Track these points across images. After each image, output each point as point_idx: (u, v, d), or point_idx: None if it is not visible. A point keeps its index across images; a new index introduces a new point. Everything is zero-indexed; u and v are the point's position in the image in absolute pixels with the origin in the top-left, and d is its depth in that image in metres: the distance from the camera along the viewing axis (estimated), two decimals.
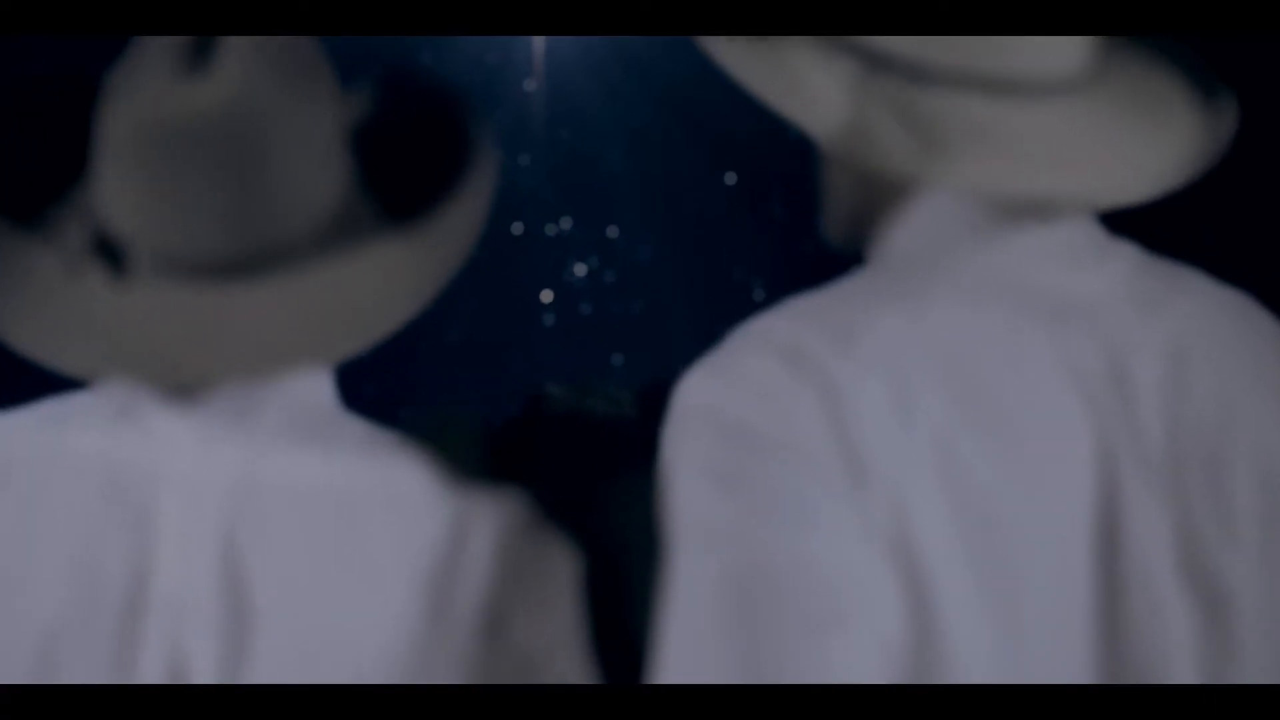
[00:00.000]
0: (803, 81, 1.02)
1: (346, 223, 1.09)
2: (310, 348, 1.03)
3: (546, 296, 5.99)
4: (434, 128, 1.18)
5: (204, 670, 1.00)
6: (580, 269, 6.04)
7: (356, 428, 1.09)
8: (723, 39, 1.06)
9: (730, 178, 5.81)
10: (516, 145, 5.84)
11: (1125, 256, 1.07)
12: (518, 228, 5.87)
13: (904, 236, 1.05)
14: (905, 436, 0.94)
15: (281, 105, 1.03)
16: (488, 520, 1.07)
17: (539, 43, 5.76)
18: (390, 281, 1.07)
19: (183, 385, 1.05)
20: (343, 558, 1.03)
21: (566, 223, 6.01)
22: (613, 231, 6.01)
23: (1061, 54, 1.04)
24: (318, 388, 1.10)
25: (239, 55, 1.02)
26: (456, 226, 1.10)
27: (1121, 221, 1.14)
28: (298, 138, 1.04)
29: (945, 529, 0.93)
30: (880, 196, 1.08)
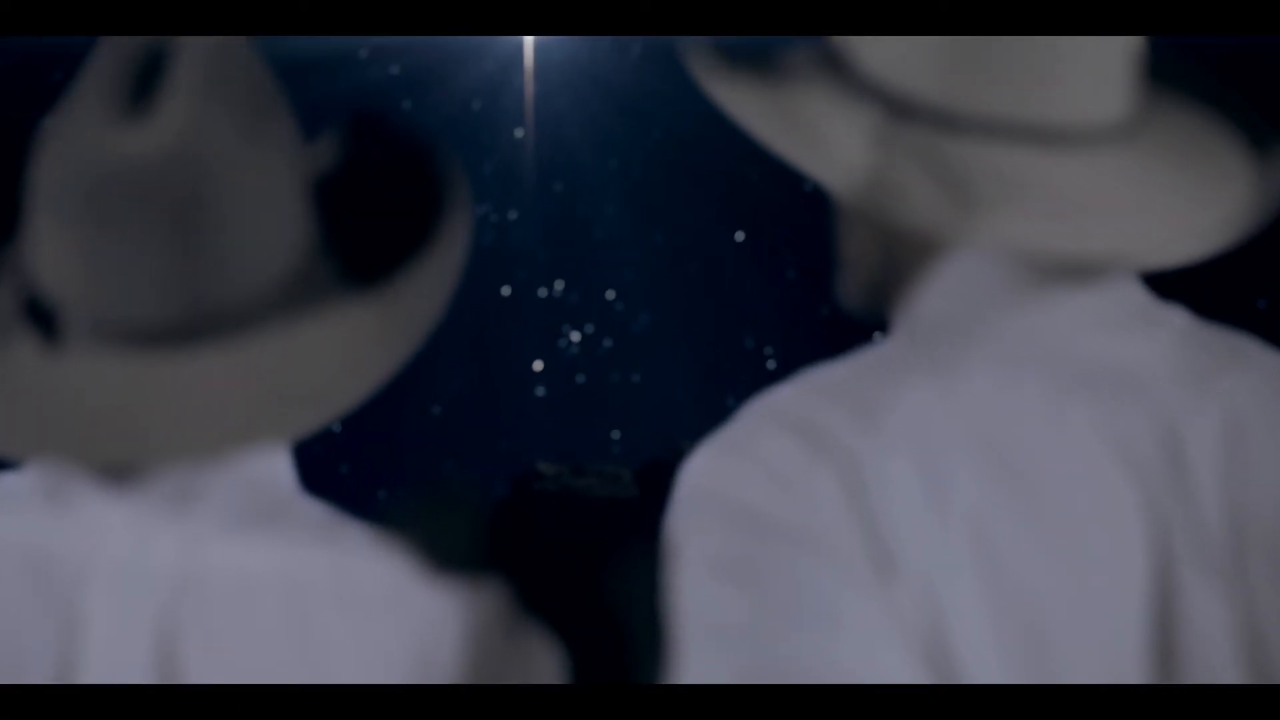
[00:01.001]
0: (819, 130, 1.02)
1: (305, 283, 1.08)
2: (264, 423, 1.02)
3: (538, 365, 5.99)
4: (404, 179, 1.18)
5: None
6: (575, 335, 6.04)
7: (314, 513, 1.08)
8: (729, 85, 1.06)
9: (739, 235, 5.82)
10: (504, 199, 5.86)
11: (1174, 323, 1.07)
12: (506, 290, 5.88)
13: (932, 301, 1.05)
14: (937, 524, 0.93)
15: (233, 152, 1.02)
16: (457, 623, 1.06)
17: (529, 87, 5.80)
18: (353, 349, 1.06)
19: (120, 466, 1.03)
20: (292, 660, 1.02)
21: (560, 285, 6.01)
22: (610, 295, 6.02)
23: (1101, 100, 1.04)
24: (272, 468, 1.09)
25: (185, 96, 1.01)
26: (427, 288, 1.10)
27: (1169, 284, 1.14)
28: (251, 188, 1.04)
29: (983, 628, 0.92)
30: (905, 256, 1.08)
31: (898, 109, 1.02)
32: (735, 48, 1.13)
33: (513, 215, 5.90)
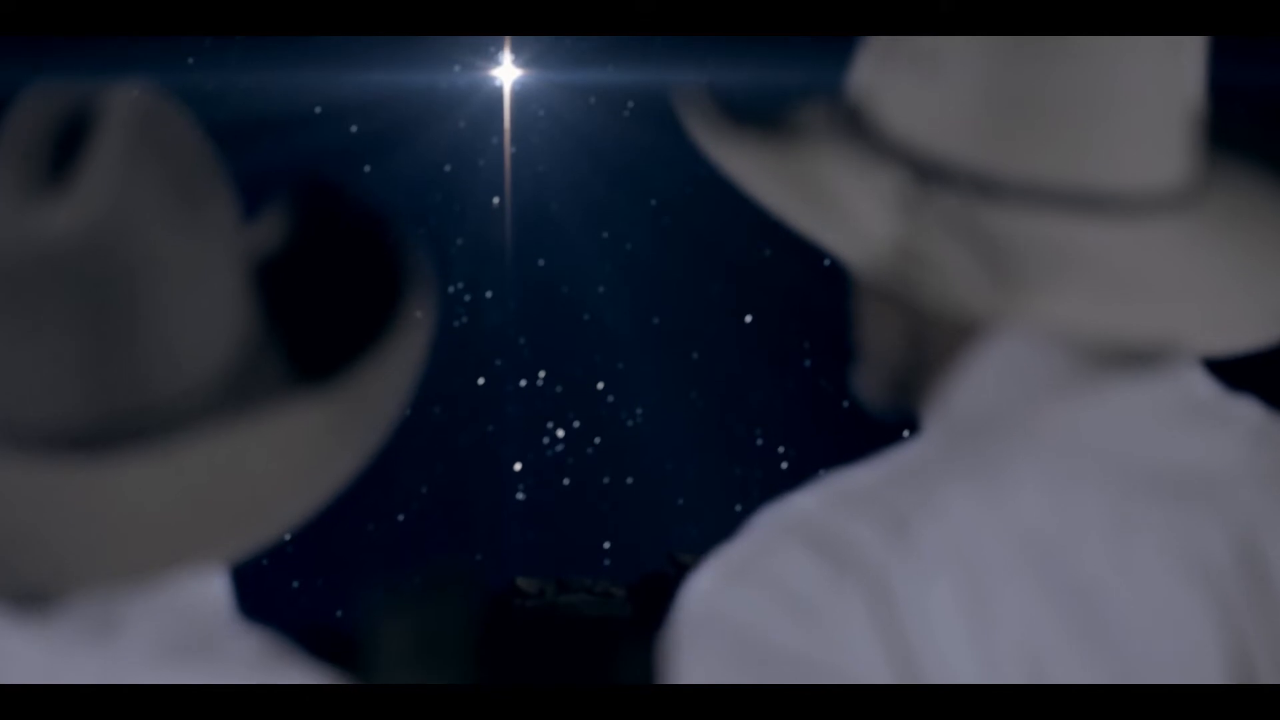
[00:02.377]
0: (837, 198, 1.02)
1: (245, 380, 1.08)
2: (199, 542, 1.01)
3: (517, 467, 5.98)
4: (359, 257, 1.18)
5: None
6: (559, 433, 6.04)
7: (250, 644, 1.07)
8: (734, 146, 1.07)
9: (747, 318, 5.84)
10: (479, 276, 5.88)
11: (1246, 417, 1.07)
12: (481, 381, 5.88)
13: (969, 393, 1.05)
14: (984, 654, 0.92)
15: (162, 230, 1.02)
16: None
17: (507, 148, 5.85)
18: (302, 455, 1.06)
19: (31, 592, 1.02)
20: None
21: (542, 375, 6.02)
22: (600, 386, 6.03)
23: (1157, 164, 1.04)
24: (205, 593, 1.08)
25: (109, 166, 1.01)
26: (387, 383, 1.10)
27: (1238, 372, 1.14)
28: (183, 272, 1.03)
29: None
30: (936, 342, 1.08)
31: (928, 173, 1.03)
32: (740, 103, 1.14)
33: (488, 294, 5.91)
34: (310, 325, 1.13)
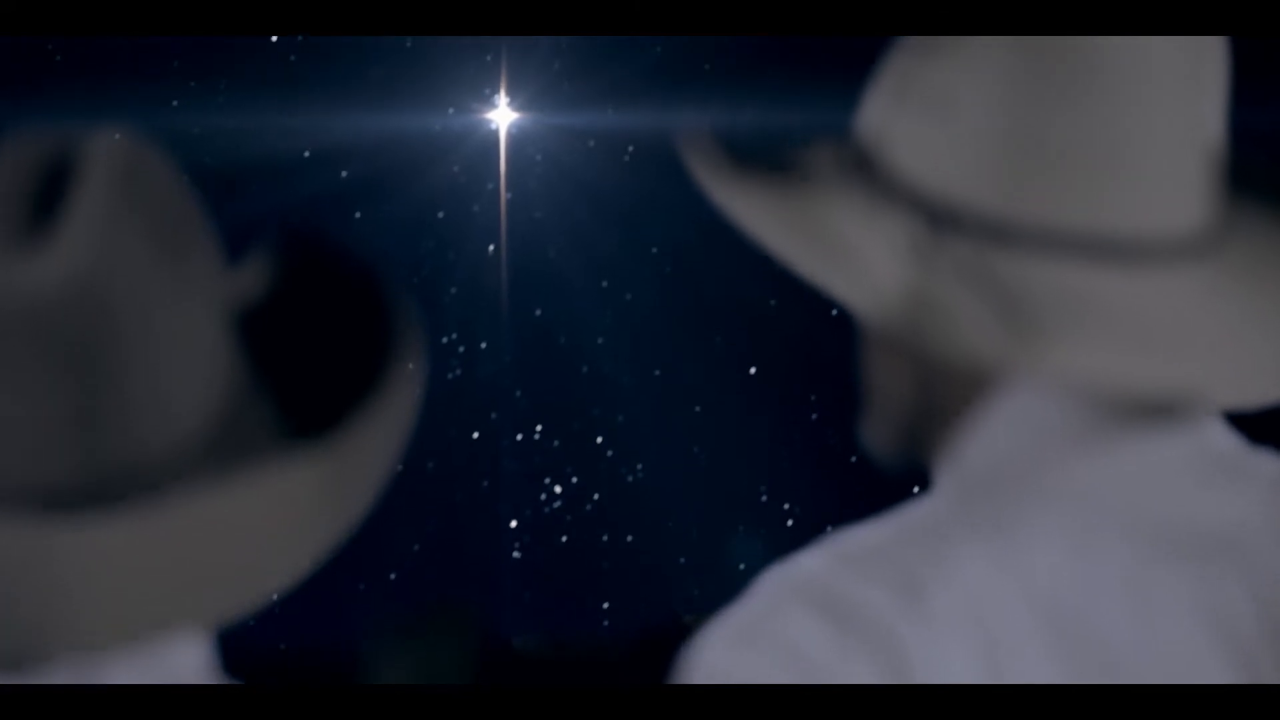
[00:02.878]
0: (847, 245, 1.02)
1: (232, 436, 1.08)
2: (184, 605, 1.01)
3: (514, 524, 5.96)
4: (348, 309, 1.18)
5: None
6: (557, 488, 6.02)
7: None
8: (739, 191, 1.07)
9: (752, 370, 5.84)
10: (473, 326, 5.88)
11: (1268, 472, 1.07)
12: (475, 435, 5.87)
13: (982, 447, 1.05)
14: None
15: (145, 284, 1.02)
16: None
17: (503, 194, 5.85)
18: (290, 515, 1.06)
19: (13, 657, 1.02)
20: None
21: (539, 429, 6.01)
22: (599, 440, 6.01)
23: (1177, 210, 1.05)
24: (188, 658, 1.08)
25: (90, 217, 1.01)
26: (377, 439, 1.10)
27: (1261, 426, 1.14)
28: (166, 326, 1.04)
29: None
30: (948, 394, 1.08)
31: (941, 219, 1.03)
32: (745, 146, 1.14)
33: (483, 345, 5.91)
34: (299, 378, 1.13)
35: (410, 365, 1.14)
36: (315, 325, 1.17)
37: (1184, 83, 1.05)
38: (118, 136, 1.06)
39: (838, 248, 1.03)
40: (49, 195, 1.03)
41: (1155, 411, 1.04)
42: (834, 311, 1.07)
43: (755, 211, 1.06)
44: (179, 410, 1.05)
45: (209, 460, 1.06)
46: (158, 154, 1.08)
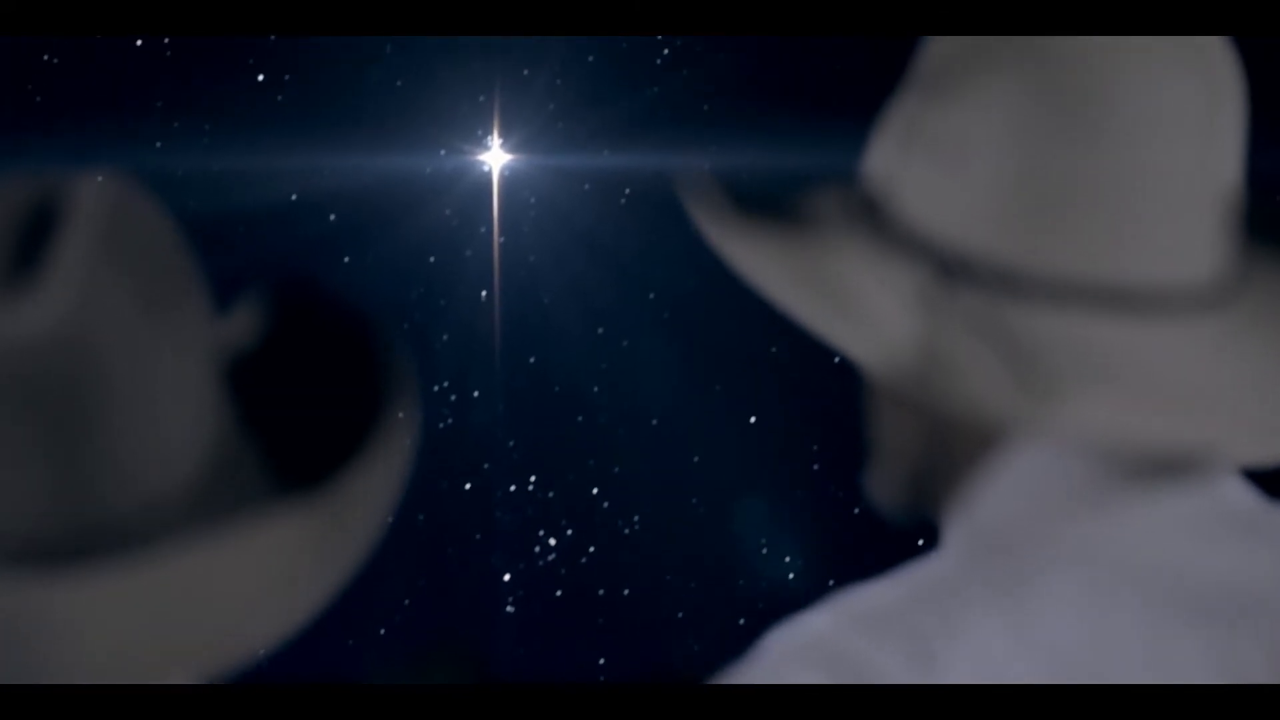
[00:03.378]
0: (853, 295, 1.02)
1: (219, 489, 1.08)
2: (170, 661, 1.01)
3: (507, 578, 5.94)
4: (339, 357, 1.18)
5: None
6: (551, 541, 6.00)
7: None
8: (741, 239, 1.07)
9: (752, 419, 5.83)
10: (465, 374, 5.87)
11: None
12: (467, 486, 5.86)
13: (992, 504, 1.04)
14: None
15: (132, 332, 1.02)
16: None
17: (496, 238, 5.86)
18: (281, 568, 1.05)
19: None
20: None
21: (533, 480, 6.00)
22: (594, 491, 6.00)
23: (1190, 258, 1.05)
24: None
25: (75, 264, 1.01)
26: (370, 490, 1.10)
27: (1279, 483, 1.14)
28: (154, 375, 1.04)
29: None
30: (957, 448, 1.08)
31: (951, 268, 1.03)
32: (747, 190, 1.15)
33: (475, 394, 5.90)
34: (290, 428, 1.13)
35: (404, 414, 1.14)
36: (307, 373, 1.17)
37: (1199, 127, 1.05)
38: (103, 180, 1.06)
39: (843, 298, 1.03)
40: (33, 241, 1.03)
41: (1170, 468, 1.04)
42: (837, 359, 1.07)
43: (757, 259, 1.06)
44: (167, 461, 1.05)
45: (198, 512, 1.06)
46: (144, 197, 1.08)
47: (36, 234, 1.03)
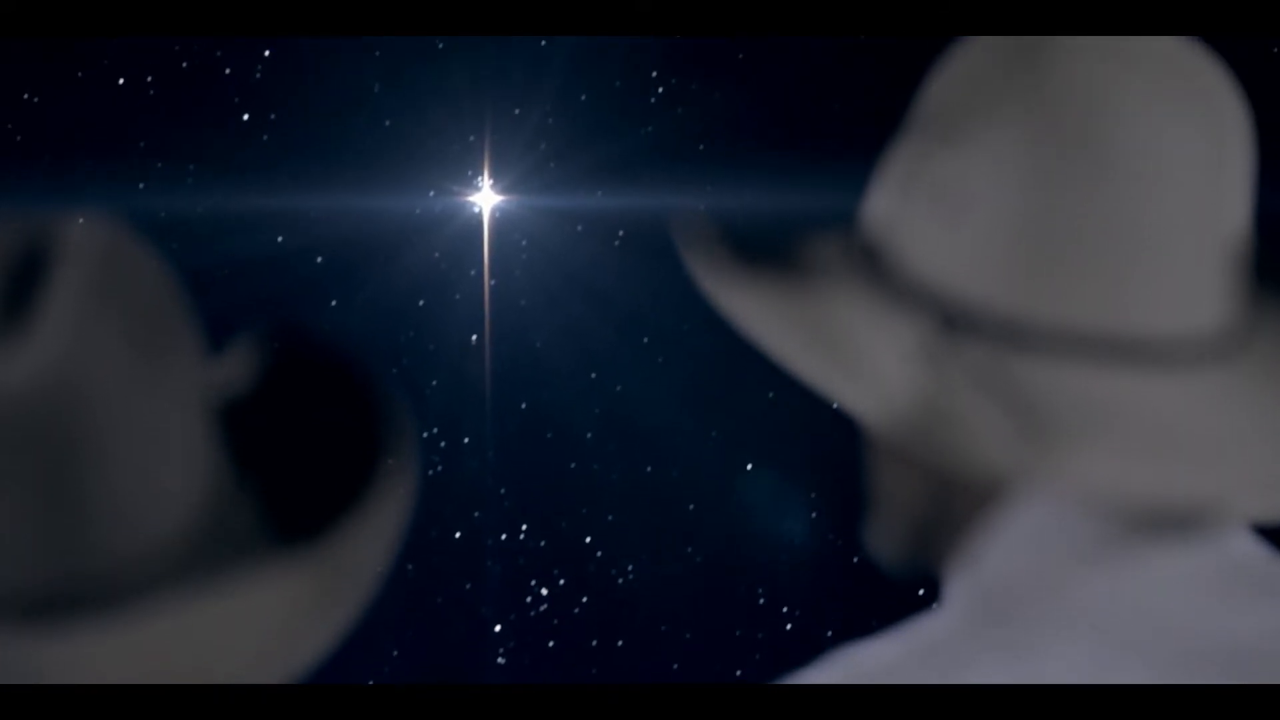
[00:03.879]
0: (853, 348, 1.02)
1: (214, 539, 1.08)
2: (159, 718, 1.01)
3: (498, 629, 5.93)
4: (331, 406, 1.18)
5: None
6: (544, 592, 5.99)
7: None
8: (737, 287, 1.07)
9: (748, 466, 5.83)
10: (455, 420, 5.87)
11: None
12: (458, 536, 5.85)
13: (996, 559, 1.04)
14: None
15: (124, 379, 1.02)
16: None
17: (486, 281, 5.86)
18: (277, 622, 1.05)
19: None
20: None
21: (524, 528, 5.99)
22: (588, 540, 5.99)
23: (1197, 307, 1.05)
24: None
25: (66, 310, 1.01)
26: (365, 543, 1.10)
27: None
28: (146, 423, 1.04)
29: None
30: (959, 500, 1.07)
31: (952, 320, 1.03)
32: (743, 234, 1.14)
33: (465, 440, 5.90)
34: (282, 479, 1.13)
35: (402, 462, 1.14)
36: (303, 420, 1.17)
37: (1204, 175, 1.05)
38: (94, 222, 1.06)
39: (842, 350, 1.03)
40: (22, 285, 1.03)
41: (1178, 523, 1.03)
42: (836, 405, 1.07)
43: (753, 309, 1.06)
44: (160, 510, 1.05)
45: (192, 562, 1.06)
46: (135, 240, 1.08)
47: (26, 278, 1.03)
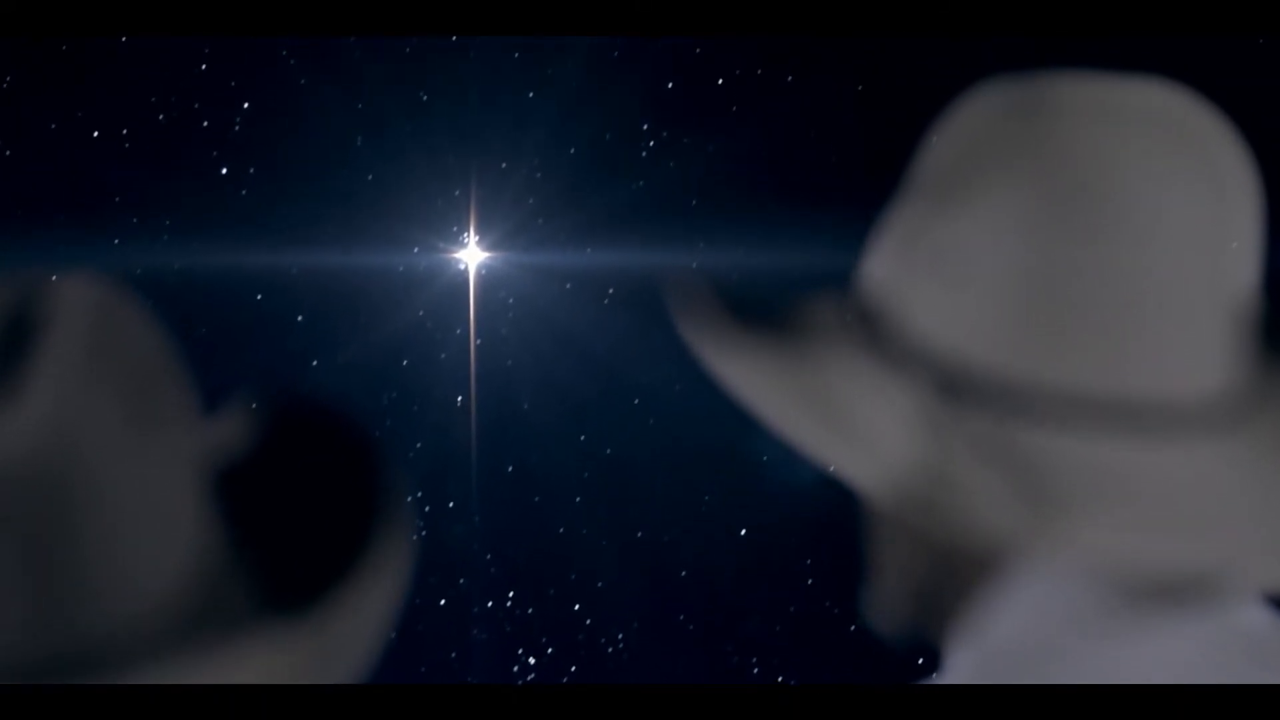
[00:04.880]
0: (852, 416, 1.03)
1: (206, 607, 1.08)
2: None
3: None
4: (329, 472, 1.18)
5: None
6: (531, 661, 5.97)
7: None
8: (730, 353, 1.07)
9: (742, 531, 5.82)
10: (440, 484, 5.86)
11: None
12: (443, 604, 5.84)
13: (997, 629, 1.04)
14: None
15: (116, 445, 1.03)
16: None
17: (473, 340, 5.86)
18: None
19: None
20: None
21: (511, 596, 5.98)
22: (576, 608, 5.98)
23: (1203, 372, 1.05)
24: None
25: (57, 376, 1.01)
26: (360, 610, 1.09)
27: None
28: (138, 489, 1.04)
29: None
30: (959, 570, 1.08)
31: (952, 385, 1.03)
32: (737, 294, 1.15)
33: (451, 504, 5.89)
34: (280, 544, 1.13)
35: (398, 531, 1.14)
36: (297, 487, 1.17)
37: (1208, 234, 1.06)
38: (85, 280, 1.06)
39: (840, 418, 1.03)
40: (12, 351, 1.03)
41: (1186, 592, 1.04)
42: (833, 469, 1.07)
43: (748, 372, 1.06)
44: (150, 578, 1.05)
45: (181, 631, 1.06)
46: (128, 299, 1.08)
47: (15, 339, 1.03)
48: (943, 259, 1.08)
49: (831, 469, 1.04)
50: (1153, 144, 1.07)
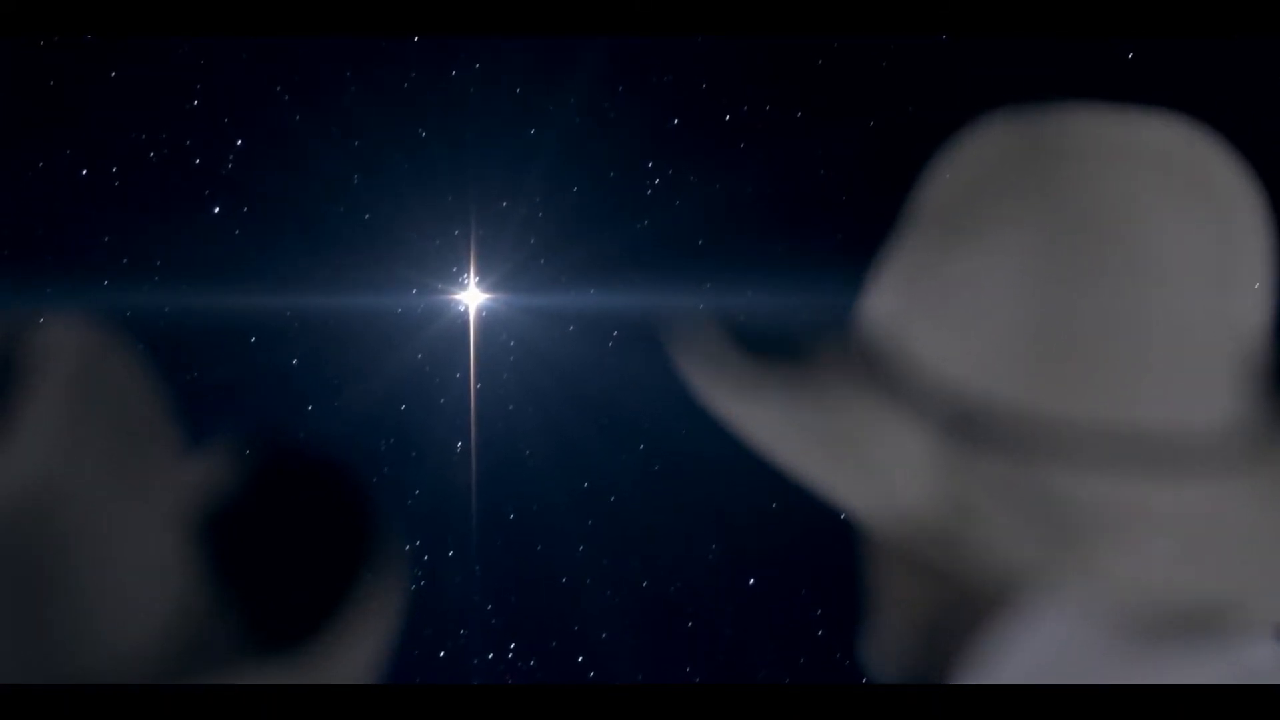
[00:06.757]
0: (865, 457, 1.03)
1: (191, 649, 1.08)
2: None
3: None
4: (317, 517, 1.19)
5: None
6: None
7: None
8: (734, 394, 1.08)
9: (750, 581, 5.80)
10: (439, 532, 5.83)
11: None
12: (442, 656, 5.81)
13: (1009, 671, 1.04)
14: None
15: (102, 488, 1.03)
16: None
17: (473, 384, 5.83)
18: None
19: None
20: None
21: (513, 649, 5.95)
22: (579, 659, 5.96)
23: (1216, 409, 1.06)
24: None
25: (42, 415, 1.02)
26: (347, 658, 1.10)
27: None
28: (124, 534, 1.05)
29: None
30: (969, 609, 1.08)
31: (963, 422, 1.04)
32: (745, 336, 1.15)
33: (450, 554, 5.87)
34: (262, 593, 1.14)
35: (386, 576, 1.14)
36: (287, 533, 1.18)
37: (1216, 270, 1.07)
38: (73, 322, 1.07)
39: (851, 458, 1.04)
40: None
41: (1199, 629, 1.04)
42: (842, 515, 1.08)
43: (756, 414, 1.07)
44: (133, 620, 1.05)
45: (166, 674, 1.06)
46: (116, 341, 1.09)
47: (3, 383, 1.03)
48: (950, 295, 1.09)
49: (842, 510, 1.05)
50: (1163, 181, 1.08)
